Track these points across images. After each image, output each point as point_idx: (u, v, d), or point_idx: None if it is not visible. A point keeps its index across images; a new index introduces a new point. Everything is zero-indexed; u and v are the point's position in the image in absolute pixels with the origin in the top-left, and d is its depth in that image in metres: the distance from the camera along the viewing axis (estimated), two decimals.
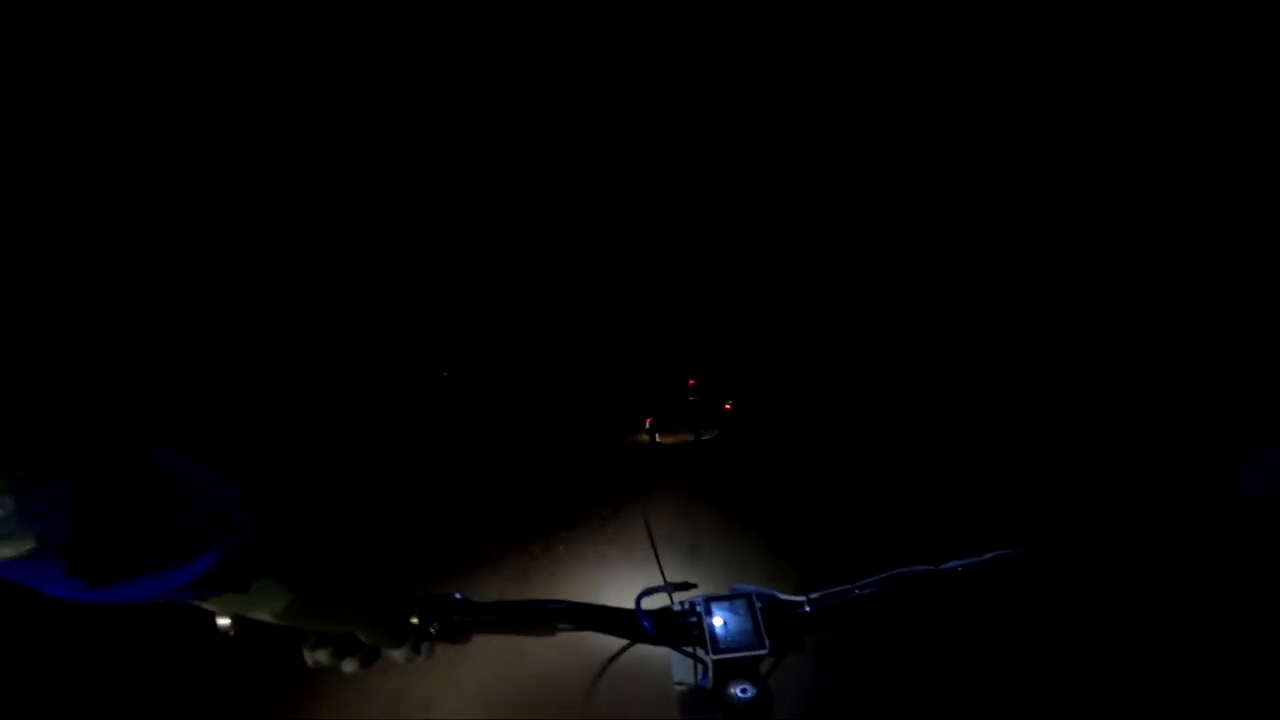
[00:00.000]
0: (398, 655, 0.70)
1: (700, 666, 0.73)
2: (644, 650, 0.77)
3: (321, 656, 0.65)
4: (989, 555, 0.76)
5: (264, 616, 0.57)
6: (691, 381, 17.93)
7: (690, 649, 0.74)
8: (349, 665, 0.66)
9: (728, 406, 16.02)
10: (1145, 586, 2.60)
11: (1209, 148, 5.93)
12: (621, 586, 3.85)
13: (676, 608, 0.77)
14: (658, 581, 0.82)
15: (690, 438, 13.58)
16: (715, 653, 0.70)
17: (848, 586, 0.77)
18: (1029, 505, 4.14)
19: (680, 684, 0.76)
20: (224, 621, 0.59)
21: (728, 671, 0.69)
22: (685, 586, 0.82)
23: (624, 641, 0.77)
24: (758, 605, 0.74)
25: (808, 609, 0.76)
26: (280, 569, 0.54)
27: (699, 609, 0.74)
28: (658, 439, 13.77)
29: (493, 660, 2.98)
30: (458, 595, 0.74)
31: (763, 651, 0.70)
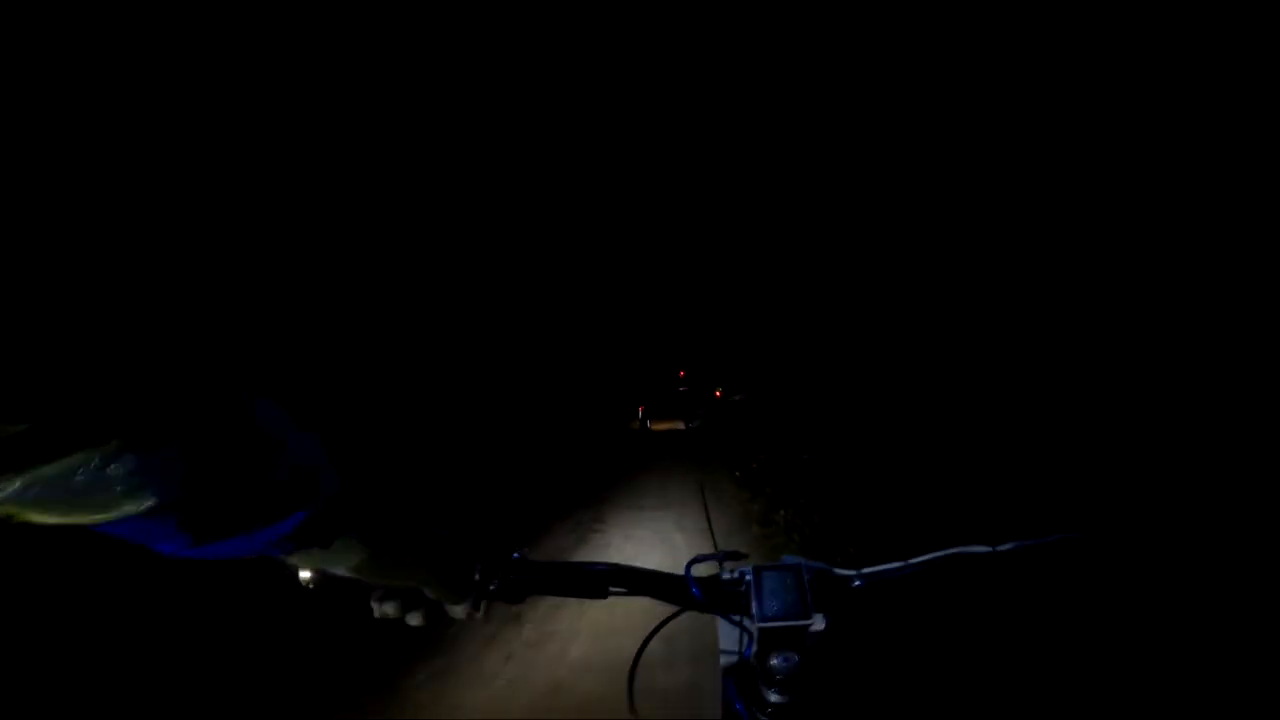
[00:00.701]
0: (458, 611, 0.73)
1: (746, 635, 0.74)
2: (693, 617, 0.78)
3: (389, 609, 0.69)
4: (1050, 538, 0.74)
5: (340, 571, 0.61)
6: (682, 374, 18.33)
7: (737, 617, 0.75)
8: (414, 619, 0.70)
9: (717, 394, 16.33)
10: (1204, 574, 2.47)
11: (1209, 148, 5.49)
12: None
13: (725, 576, 0.78)
14: (708, 549, 0.83)
15: (680, 425, 14.21)
16: (761, 621, 0.71)
17: (901, 564, 0.76)
18: (1080, 489, 3.97)
19: (725, 651, 0.77)
20: (306, 575, 0.63)
21: (772, 641, 0.70)
22: (735, 556, 0.83)
23: (673, 607, 0.79)
24: (806, 577, 0.74)
25: (858, 583, 0.76)
26: (358, 525, 0.58)
27: (748, 578, 0.75)
28: (650, 425, 14.34)
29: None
30: (516, 554, 0.77)
31: (808, 622, 0.70)
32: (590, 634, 3.13)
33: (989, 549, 0.75)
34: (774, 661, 0.68)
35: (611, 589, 0.76)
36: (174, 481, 0.39)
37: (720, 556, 0.82)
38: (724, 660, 0.77)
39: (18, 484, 0.33)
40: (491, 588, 0.74)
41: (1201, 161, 5.58)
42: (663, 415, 15.26)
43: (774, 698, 0.69)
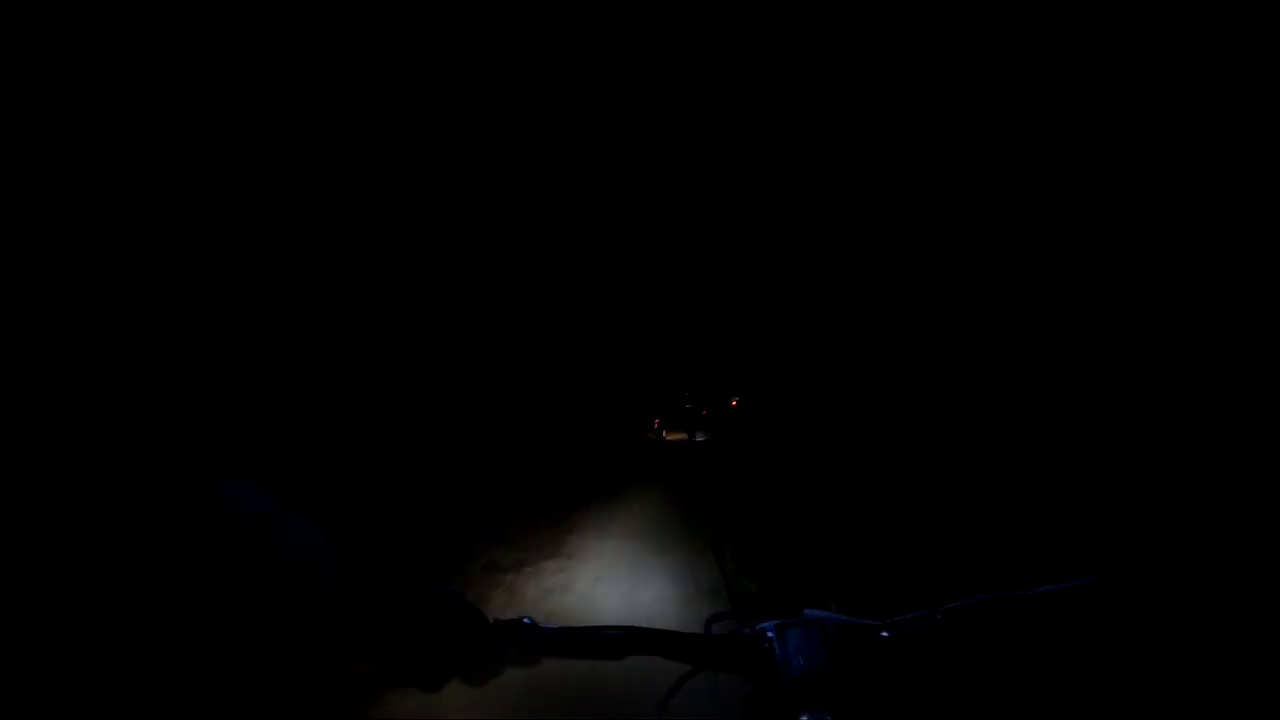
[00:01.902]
0: (470, 677, 0.71)
1: (771, 695, 0.71)
2: (712, 676, 0.75)
3: (399, 677, 0.68)
4: (1085, 580, 0.71)
5: (349, 644, 0.60)
6: (688, 392, 19.02)
7: (760, 676, 0.72)
8: (425, 686, 0.69)
9: (734, 404, 17.02)
10: (1241, 612, 2.37)
11: (1210, 148, 5.59)
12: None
13: (746, 632, 0.75)
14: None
15: (685, 437, 15.33)
16: (786, 679, 0.68)
17: (928, 611, 0.73)
18: (1109, 527, 3.87)
19: (748, 711, 0.74)
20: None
21: (800, 700, 0.67)
22: (755, 611, 0.80)
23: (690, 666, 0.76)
24: (831, 631, 0.71)
25: (885, 634, 0.73)
26: (362, 605, 0.57)
27: (769, 634, 0.72)
28: (664, 436, 15.55)
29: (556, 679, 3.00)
30: (527, 620, 0.75)
31: (837, 679, 0.67)
32: None
33: (1022, 593, 0.72)
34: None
35: (626, 651, 0.74)
36: None
37: (738, 613, 0.79)
38: (747, 717, 0.74)
39: None
40: (503, 655, 0.72)
41: (1199, 163, 5.65)
42: (674, 427, 16.79)
43: None
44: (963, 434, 7.20)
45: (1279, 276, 5.01)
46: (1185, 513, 3.68)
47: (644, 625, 0.75)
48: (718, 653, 0.73)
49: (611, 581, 4.68)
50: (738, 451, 12.69)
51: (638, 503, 8.09)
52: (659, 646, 0.74)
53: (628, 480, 9.92)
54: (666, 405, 18.18)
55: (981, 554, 3.94)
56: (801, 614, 0.74)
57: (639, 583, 4.53)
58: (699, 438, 15.70)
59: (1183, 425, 4.85)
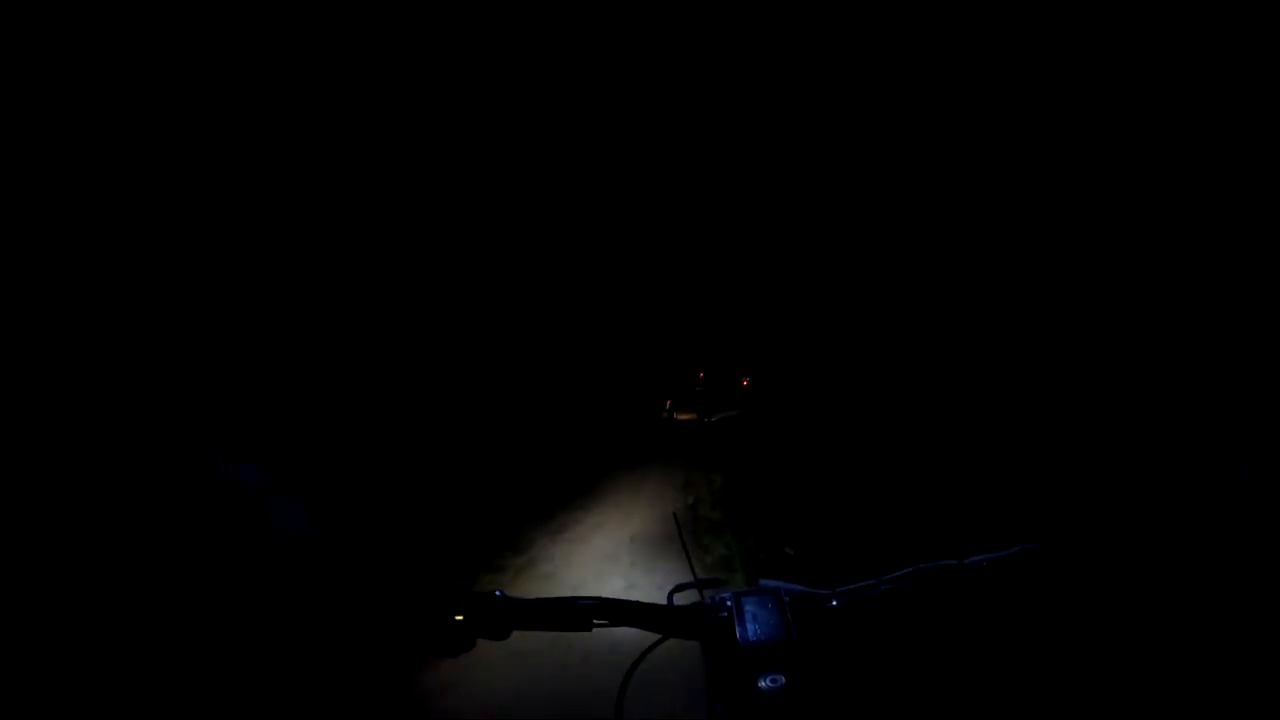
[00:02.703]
0: (442, 650, 0.73)
1: (731, 659, 0.75)
2: (677, 643, 0.79)
3: (372, 650, 0.69)
4: (1013, 549, 0.78)
5: (325, 614, 0.61)
6: (701, 374, 19.38)
7: (720, 642, 0.76)
8: (399, 659, 0.71)
9: (745, 383, 17.54)
10: (1161, 580, 2.57)
11: (1210, 148, 5.80)
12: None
13: (707, 602, 0.80)
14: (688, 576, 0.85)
15: (697, 418, 15.62)
16: (744, 645, 0.73)
17: (873, 581, 0.79)
18: (1041, 498, 4.10)
19: (712, 676, 0.78)
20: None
21: (757, 664, 0.71)
22: (715, 582, 0.85)
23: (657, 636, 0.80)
24: (785, 600, 0.76)
25: (834, 603, 0.78)
26: (338, 575, 0.59)
27: (728, 604, 0.77)
28: (675, 417, 16.02)
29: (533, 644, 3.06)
30: (498, 593, 0.77)
31: (791, 644, 0.72)
32: None
33: (956, 562, 0.78)
34: (761, 684, 0.69)
35: (595, 621, 0.77)
36: None
37: (700, 584, 0.84)
38: (711, 685, 0.78)
39: None
40: (475, 627, 0.74)
41: (1194, 167, 5.84)
42: (686, 409, 17.24)
43: (766, 718, 0.70)
44: (918, 420, 7.44)
45: (1190, 260, 5.28)
46: (1104, 487, 3.93)
47: (610, 597, 0.79)
48: (681, 622, 0.77)
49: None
50: (746, 430, 12.97)
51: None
52: (626, 617, 0.78)
53: (643, 458, 10.43)
54: (678, 387, 18.76)
55: (924, 526, 4.13)
56: (758, 584, 0.79)
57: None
58: (712, 418, 16.17)
59: (1102, 407, 5.13)
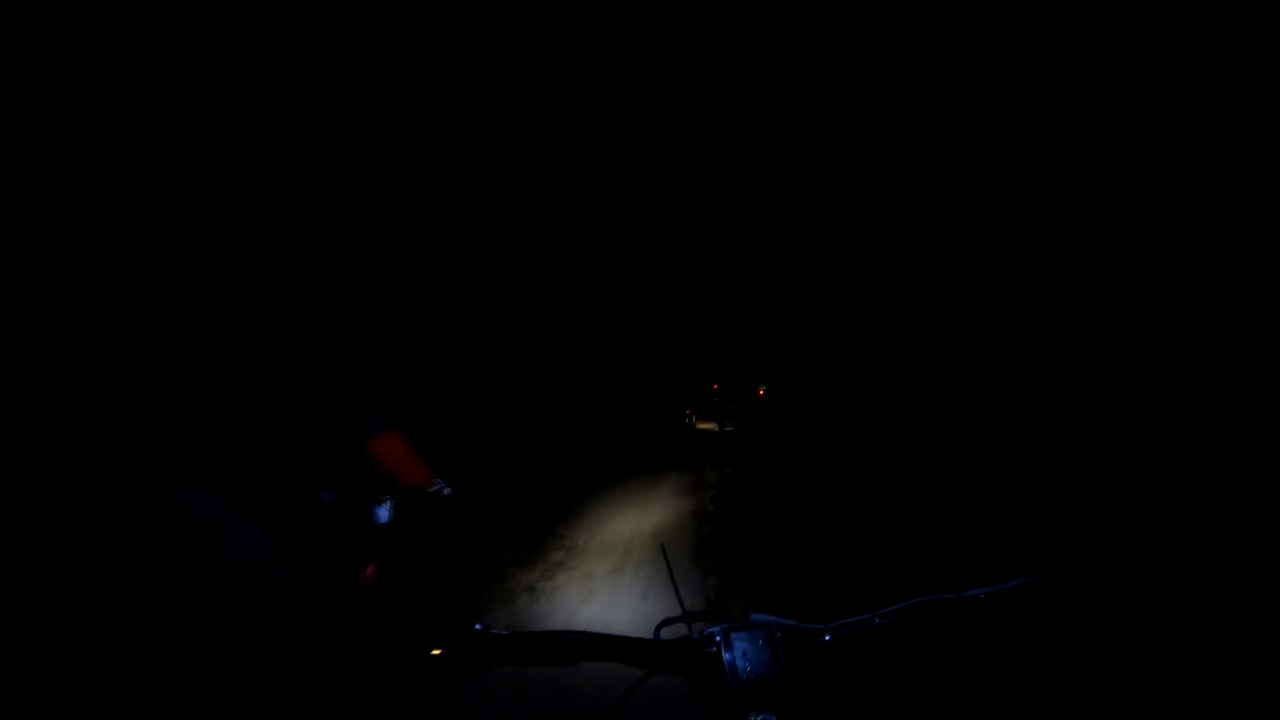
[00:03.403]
0: (421, 686, 0.71)
1: (719, 697, 0.73)
2: (664, 680, 0.76)
3: (348, 686, 0.66)
4: (1011, 583, 0.76)
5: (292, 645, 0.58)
6: (715, 386, 19.95)
7: (709, 679, 0.74)
8: (374, 692, 0.68)
9: (760, 392, 18.02)
10: (1159, 611, 2.55)
11: (1210, 148, 5.90)
12: None
13: (695, 637, 0.77)
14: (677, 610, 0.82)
15: (715, 427, 16.01)
16: (734, 682, 0.70)
17: (867, 616, 0.77)
18: (1038, 530, 4.09)
19: (699, 713, 0.76)
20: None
21: (747, 702, 0.69)
22: (704, 616, 0.82)
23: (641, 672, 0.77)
24: (777, 635, 0.74)
25: (827, 638, 0.75)
26: (304, 607, 0.56)
27: (717, 639, 0.74)
28: (695, 425, 16.65)
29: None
30: (478, 626, 0.74)
31: (782, 681, 0.70)
32: None
33: (953, 596, 0.76)
34: None
35: (579, 656, 0.74)
36: None
37: (688, 618, 0.81)
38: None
39: None
40: (453, 662, 0.72)
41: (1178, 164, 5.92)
42: (705, 418, 18.13)
43: None
44: (913, 444, 7.44)
45: (1191, 277, 5.33)
46: (1100, 522, 3.91)
47: (597, 631, 0.76)
48: (668, 657, 0.75)
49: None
50: (760, 438, 13.11)
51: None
52: (611, 652, 0.75)
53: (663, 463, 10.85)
54: (697, 397, 19.55)
55: (916, 560, 4.09)
56: (749, 618, 0.76)
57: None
58: (727, 427, 16.56)
59: (1097, 439, 5.14)
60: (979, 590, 0.76)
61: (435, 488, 2.36)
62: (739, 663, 0.71)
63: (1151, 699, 2.15)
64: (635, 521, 6.12)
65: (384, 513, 2.11)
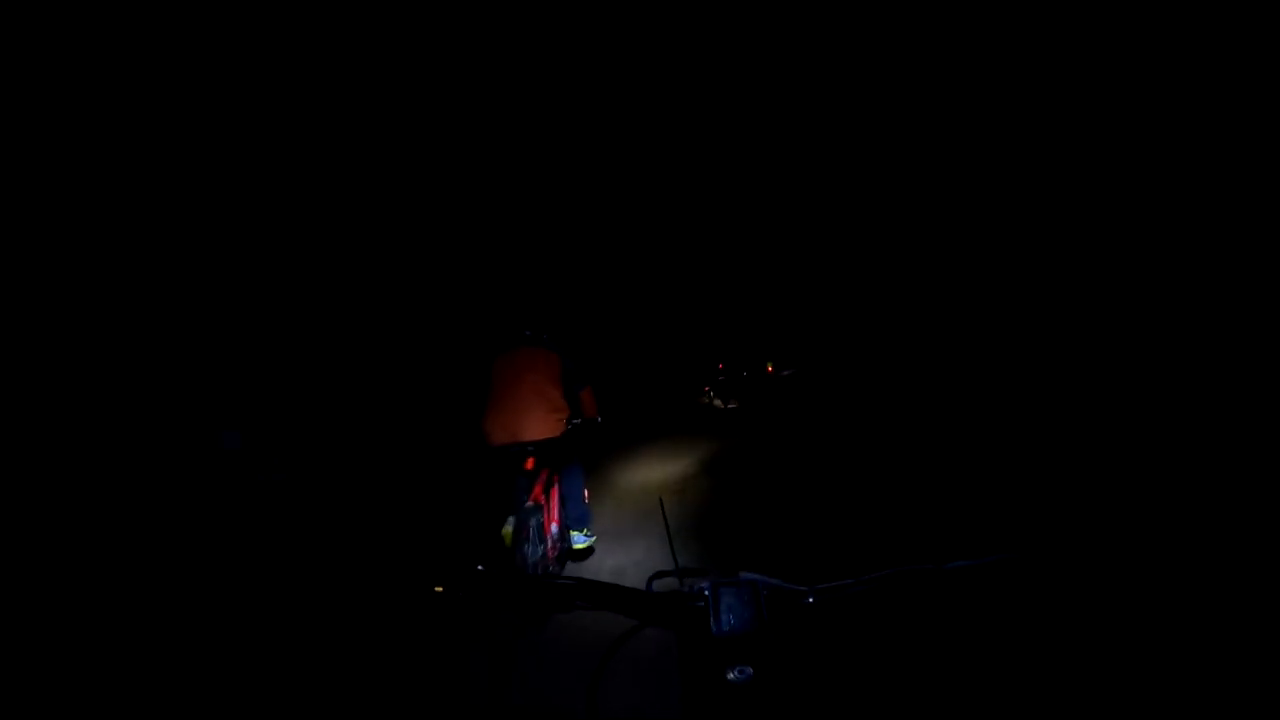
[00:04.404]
0: (421, 619, 0.74)
1: (702, 648, 0.76)
2: (653, 629, 0.80)
3: (350, 613, 0.69)
4: (991, 558, 0.78)
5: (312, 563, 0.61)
6: (721, 365, 20.37)
7: (694, 630, 0.77)
8: (380, 617, 0.71)
9: (769, 369, 18.44)
10: (1138, 591, 2.61)
11: (1210, 148, 5.79)
12: None
13: (685, 590, 0.80)
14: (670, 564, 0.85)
15: (721, 405, 17.55)
16: (717, 634, 0.73)
17: (851, 580, 0.79)
18: (1020, 508, 4.15)
19: (684, 664, 0.79)
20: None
21: (728, 654, 0.72)
22: (695, 571, 0.85)
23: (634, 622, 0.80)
24: (763, 592, 0.76)
25: (810, 599, 0.78)
26: (320, 533, 0.58)
27: (706, 593, 0.77)
28: (714, 403, 17.07)
29: None
30: (480, 567, 0.77)
31: (763, 636, 0.72)
32: None
33: (934, 567, 0.78)
34: (730, 675, 0.70)
35: (576, 603, 0.77)
36: None
37: (680, 572, 0.84)
38: (682, 670, 0.79)
39: None
40: (454, 597, 0.74)
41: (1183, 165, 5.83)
42: (721, 395, 19.07)
43: (731, 709, 0.71)
44: (904, 422, 7.47)
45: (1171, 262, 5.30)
46: (1080, 501, 3.97)
47: (592, 580, 0.79)
48: (658, 608, 0.77)
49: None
50: (765, 414, 13.29)
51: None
52: (604, 600, 0.78)
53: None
54: (715, 374, 20.29)
55: (900, 530, 4.16)
56: (738, 575, 0.79)
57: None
58: (730, 405, 17.24)
59: (1085, 419, 5.16)
60: (961, 563, 0.78)
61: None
62: (724, 616, 0.74)
63: (1127, 680, 2.22)
64: (660, 472, 7.43)
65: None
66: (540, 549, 3.05)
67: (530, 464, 3.34)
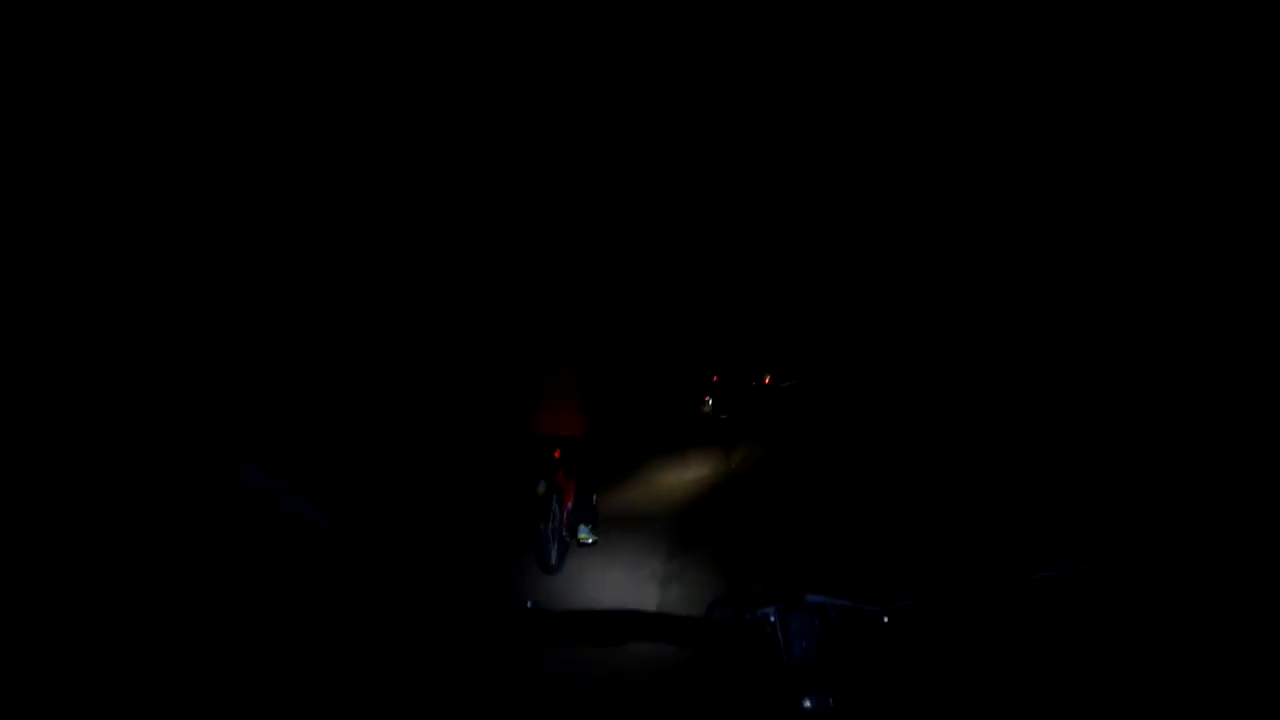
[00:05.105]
0: (470, 665, 0.72)
1: (774, 678, 0.72)
2: (716, 659, 0.76)
3: (395, 668, 0.68)
4: (1082, 566, 0.72)
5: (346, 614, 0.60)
6: (715, 378, 20.51)
7: (763, 660, 0.73)
8: (421, 676, 0.70)
9: (767, 380, 18.37)
10: (1220, 597, 2.39)
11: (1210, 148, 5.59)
12: None
13: (748, 617, 0.76)
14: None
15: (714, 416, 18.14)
16: (789, 662, 0.69)
17: (929, 596, 0.74)
18: (1095, 515, 3.90)
19: (752, 694, 0.75)
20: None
21: (802, 682, 0.68)
22: (756, 596, 0.81)
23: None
24: (833, 615, 0.72)
25: (886, 619, 0.74)
26: (352, 577, 0.58)
27: (772, 619, 0.73)
28: (715, 414, 17.40)
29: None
30: (530, 604, 0.75)
31: (839, 662, 0.68)
32: None
33: (1019, 579, 0.73)
34: (807, 704, 0.66)
35: (630, 636, 0.75)
36: None
37: (740, 597, 0.81)
38: (752, 704, 0.74)
39: None
40: (504, 640, 0.73)
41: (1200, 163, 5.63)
42: (719, 405, 19.68)
43: None
44: (961, 425, 7.22)
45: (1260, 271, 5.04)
46: (1177, 504, 3.70)
47: (646, 610, 0.76)
48: (720, 637, 0.74)
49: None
50: (760, 425, 13.32)
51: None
52: (662, 631, 0.75)
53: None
54: (714, 386, 20.82)
55: (978, 541, 3.96)
56: (803, 599, 0.75)
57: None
58: (721, 416, 17.76)
59: (1170, 421, 4.88)
60: (1047, 573, 0.72)
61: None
62: (794, 643, 0.70)
63: (1215, 687, 2.03)
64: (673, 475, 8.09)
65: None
66: (559, 515, 4.43)
67: (558, 454, 4.57)
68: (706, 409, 19.60)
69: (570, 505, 4.74)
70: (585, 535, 4.86)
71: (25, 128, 5.61)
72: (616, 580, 4.48)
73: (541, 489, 4.23)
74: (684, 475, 8.31)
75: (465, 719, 2.61)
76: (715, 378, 20.09)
